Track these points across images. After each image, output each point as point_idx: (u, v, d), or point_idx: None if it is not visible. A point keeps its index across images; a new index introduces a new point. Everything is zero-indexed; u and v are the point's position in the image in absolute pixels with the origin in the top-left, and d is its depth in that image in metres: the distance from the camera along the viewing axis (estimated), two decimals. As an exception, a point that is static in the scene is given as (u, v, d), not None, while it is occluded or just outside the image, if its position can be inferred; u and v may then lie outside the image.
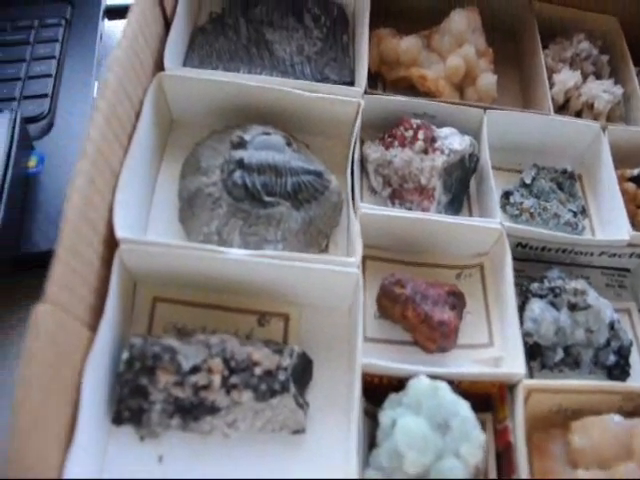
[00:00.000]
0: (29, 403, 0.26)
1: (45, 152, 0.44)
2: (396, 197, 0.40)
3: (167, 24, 0.42)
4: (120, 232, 0.33)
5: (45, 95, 0.47)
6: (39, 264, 0.38)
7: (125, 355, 0.32)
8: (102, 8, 0.56)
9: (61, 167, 0.43)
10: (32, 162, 0.43)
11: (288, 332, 0.35)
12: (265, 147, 0.37)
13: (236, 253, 0.33)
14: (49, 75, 0.49)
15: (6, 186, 0.37)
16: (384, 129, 0.41)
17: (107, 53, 0.53)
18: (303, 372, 0.34)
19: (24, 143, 0.42)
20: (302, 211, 0.36)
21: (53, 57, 0.50)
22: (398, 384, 0.33)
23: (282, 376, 0.32)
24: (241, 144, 0.36)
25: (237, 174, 0.35)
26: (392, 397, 0.32)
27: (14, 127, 0.41)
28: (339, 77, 0.44)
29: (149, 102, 0.38)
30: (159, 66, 0.40)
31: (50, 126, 0.45)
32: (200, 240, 0.36)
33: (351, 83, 0.44)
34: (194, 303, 0.36)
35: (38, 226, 0.39)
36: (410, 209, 0.39)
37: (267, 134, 0.37)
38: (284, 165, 0.36)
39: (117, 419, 0.32)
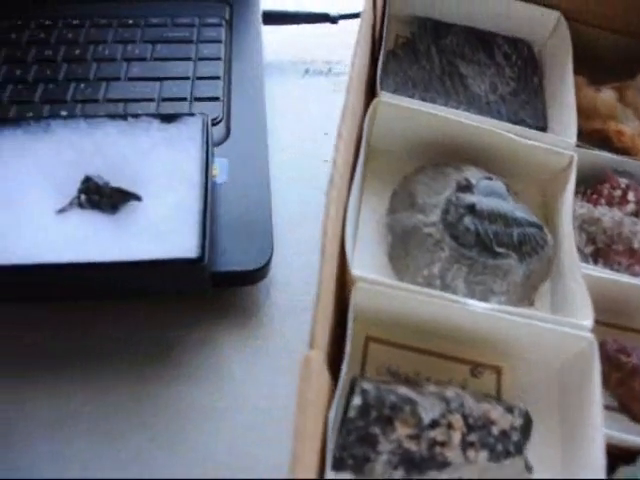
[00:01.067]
0: (306, 456, 0.25)
1: (225, 160, 0.42)
2: (600, 256, 0.39)
3: (374, 45, 0.41)
4: (356, 270, 0.32)
5: (217, 98, 0.46)
6: (228, 284, 0.37)
7: (357, 401, 0.31)
8: (260, 12, 0.54)
9: (242, 177, 0.41)
10: (215, 171, 0.41)
11: (501, 386, 0.34)
12: (490, 193, 0.36)
13: (479, 306, 0.32)
14: (217, 77, 0.48)
15: (209, 199, 0.36)
16: (583, 183, 0.40)
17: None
18: (526, 432, 0.33)
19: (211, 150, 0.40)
20: (524, 264, 0.35)
21: (219, 58, 0.49)
22: (627, 455, 0.32)
23: (515, 437, 0.31)
24: (468, 187, 0.35)
25: (467, 220, 0.34)
26: (625, 470, 0.31)
27: (207, 133, 0.39)
28: (533, 121, 0.43)
29: (366, 129, 0.37)
30: (370, 91, 0.39)
31: (228, 132, 0.44)
32: (419, 282, 0.34)
33: (544, 129, 0.43)
34: (408, 346, 0.34)
35: (228, 243, 0.38)
36: (618, 271, 0.38)
37: (489, 179, 0.36)
38: (510, 215, 0.35)
39: (338, 465, 0.31)
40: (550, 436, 0.34)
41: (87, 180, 0.36)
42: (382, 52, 0.40)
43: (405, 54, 0.44)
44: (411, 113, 0.38)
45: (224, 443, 0.32)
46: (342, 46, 0.56)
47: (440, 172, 0.37)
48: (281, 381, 0.35)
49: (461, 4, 0.46)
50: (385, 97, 0.37)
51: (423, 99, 0.41)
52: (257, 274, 0.36)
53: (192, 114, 0.39)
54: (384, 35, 0.40)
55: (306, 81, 0.53)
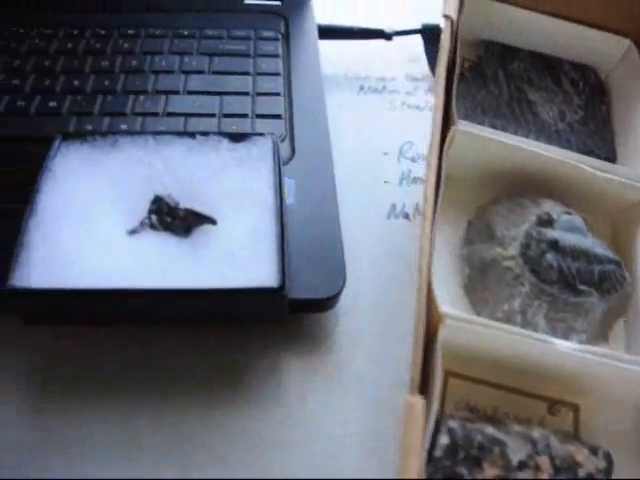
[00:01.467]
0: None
1: (292, 181, 0.42)
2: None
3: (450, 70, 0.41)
4: (444, 307, 0.31)
5: (279, 116, 0.45)
6: (300, 311, 0.36)
7: (445, 440, 0.30)
8: (315, 26, 0.53)
9: (309, 199, 0.41)
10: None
11: (578, 424, 0.34)
12: (571, 229, 0.35)
13: (566, 346, 0.31)
14: (278, 93, 0.47)
15: (285, 223, 0.35)
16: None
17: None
18: (608, 475, 0.32)
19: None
20: (604, 302, 0.35)
21: (278, 74, 0.48)
22: None
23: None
24: (549, 222, 0.35)
25: (550, 256, 0.34)
26: None
27: (277, 153, 0.38)
28: (602, 152, 0.42)
29: (445, 157, 0.36)
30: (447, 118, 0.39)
31: (292, 152, 0.43)
32: (499, 317, 0.34)
33: (612, 160, 0.42)
34: (486, 382, 0.34)
35: (300, 269, 0.37)
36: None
37: (569, 213, 0.36)
38: (591, 251, 0.35)
39: (425, 505, 0.30)
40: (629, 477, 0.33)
41: (158, 200, 0.35)
42: (455, 78, 0.39)
43: (473, 78, 0.44)
44: (487, 142, 0.37)
45: (301, 474, 0.32)
46: (396, 63, 0.56)
47: (517, 204, 0.37)
48: (353, 409, 0.34)
49: (527, 28, 0.46)
50: (463, 126, 0.37)
51: (493, 126, 0.41)
52: (330, 302, 0.35)
53: (261, 134, 0.39)
54: (457, 61, 0.40)
55: (361, 98, 0.53)
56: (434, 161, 0.32)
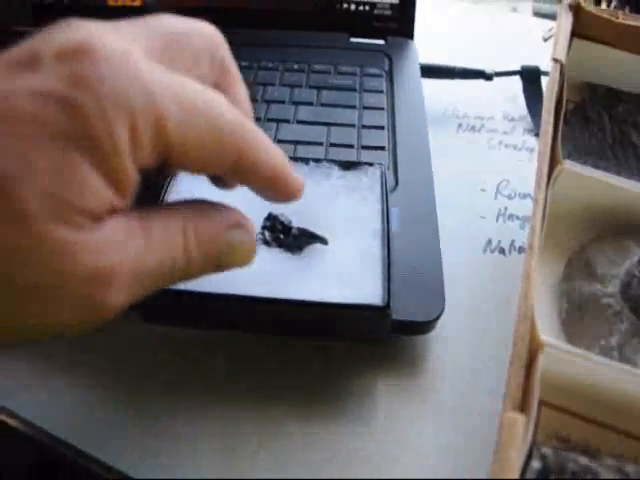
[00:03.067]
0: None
1: (396, 210, 0.43)
2: None
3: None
4: (544, 336, 0.32)
5: (382, 148, 0.47)
6: (400, 332, 0.38)
7: (537, 465, 0.31)
8: (418, 65, 0.56)
9: (412, 228, 0.42)
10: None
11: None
12: (672, 270, 0.35)
13: (666, 384, 0.31)
14: (382, 127, 0.49)
15: (392, 248, 0.37)
16: None
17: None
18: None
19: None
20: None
21: (382, 108, 0.51)
22: None
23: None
24: (652, 262, 0.35)
25: (651, 295, 0.34)
26: None
27: (385, 183, 0.40)
28: None
29: (549, 194, 0.37)
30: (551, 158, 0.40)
31: (396, 182, 0.45)
32: (595, 352, 0.34)
33: None
34: (580, 415, 0.34)
35: (401, 292, 0.38)
36: None
37: (671, 255, 0.36)
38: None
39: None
40: None
41: (272, 218, 0.38)
42: (561, 119, 0.41)
43: (576, 120, 0.45)
44: (591, 182, 0.38)
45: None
46: (495, 103, 0.57)
47: (619, 243, 0.37)
48: (444, 434, 0.35)
49: (633, 72, 0.47)
50: (568, 165, 0.38)
51: (596, 167, 0.42)
52: (429, 325, 0.37)
53: (371, 164, 0.41)
54: (563, 103, 0.41)
55: (460, 135, 0.54)
56: (541, 196, 0.33)
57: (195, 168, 0.26)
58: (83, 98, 0.21)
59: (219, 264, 0.28)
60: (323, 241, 0.37)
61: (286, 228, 0.37)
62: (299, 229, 0.37)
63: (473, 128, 0.55)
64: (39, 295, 0.22)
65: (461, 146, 0.53)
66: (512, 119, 0.56)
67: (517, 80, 0.58)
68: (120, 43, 0.22)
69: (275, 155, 0.28)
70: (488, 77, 0.57)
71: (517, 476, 0.28)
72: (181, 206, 0.27)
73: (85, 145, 0.22)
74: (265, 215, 0.38)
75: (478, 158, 0.52)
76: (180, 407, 0.35)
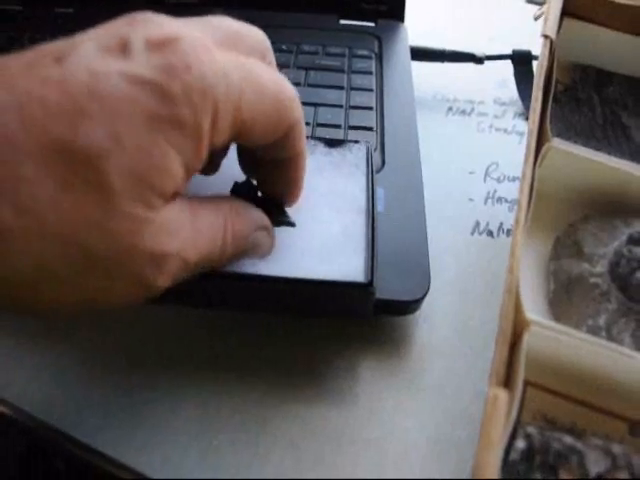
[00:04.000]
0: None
1: (381, 190, 0.43)
2: None
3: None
4: (530, 313, 0.31)
5: (370, 128, 0.47)
6: (383, 312, 0.37)
7: (522, 444, 0.30)
8: (408, 47, 0.55)
9: (398, 209, 0.41)
10: (374, 200, 0.41)
11: (660, 448, 0.33)
12: (662, 249, 0.35)
13: (650, 361, 0.31)
14: (370, 107, 0.48)
15: (376, 226, 0.36)
16: None
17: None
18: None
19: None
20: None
21: (371, 89, 0.50)
22: None
23: (683, 505, 0.30)
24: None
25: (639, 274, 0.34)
26: None
27: (371, 161, 0.40)
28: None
29: (537, 173, 0.37)
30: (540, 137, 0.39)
31: (382, 162, 0.44)
32: (584, 332, 0.34)
33: None
34: (566, 396, 0.34)
35: (386, 272, 0.37)
36: None
37: (660, 234, 0.36)
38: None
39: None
40: None
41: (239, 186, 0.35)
42: (550, 98, 0.40)
43: (566, 101, 0.44)
44: (580, 161, 0.38)
45: (371, 471, 0.32)
46: (486, 87, 0.56)
47: (608, 223, 0.37)
48: (428, 414, 0.35)
49: (624, 53, 0.46)
50: (557, 143, 0.37)
51: (586, 147, 0.41)
52: (413, 305, 0.36)
53: (356, 141, 0.40)
54: (553, 82, 0.40)
55: (449, 119, 0.54)
56: (529, 172, 0.32)
57: (255, 141, 0.28)
58: (173, 85, 0.23)
59: (240, 257, 0.30)
60: (290, 224, 0.35)
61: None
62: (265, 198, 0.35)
63: (463, 112, 0.54)
64: (104, 268, 0.23)
65: (451, 129, 0.52)
66: (503, 103, 0.56)
67: (508, 64, 0.57)
68: (197, 34, 0.24)
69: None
70: (479, 60, 0.56)
71: (501, 453, 0.27)
72: (221, 202, 0.28)
73: (172, 130, 0.23)
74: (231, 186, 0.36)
75: (468, 141, 0.51)
76: (160, 387, 0.35)
